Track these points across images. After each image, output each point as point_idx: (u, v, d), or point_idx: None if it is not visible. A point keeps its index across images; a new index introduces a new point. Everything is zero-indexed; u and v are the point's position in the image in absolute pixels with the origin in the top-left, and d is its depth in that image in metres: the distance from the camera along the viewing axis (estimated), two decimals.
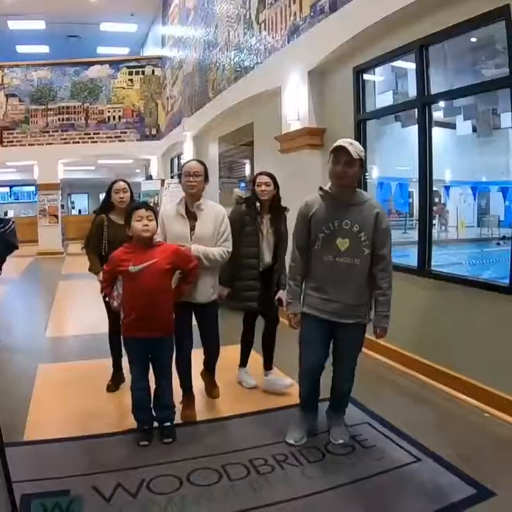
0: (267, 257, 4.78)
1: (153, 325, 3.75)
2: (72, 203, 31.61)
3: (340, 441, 3.72)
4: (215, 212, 4.15)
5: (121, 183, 4.79)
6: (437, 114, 5.68)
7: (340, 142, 3.47)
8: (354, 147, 3.43)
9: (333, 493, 3.14)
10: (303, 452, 3.61)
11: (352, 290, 3.53)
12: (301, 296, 3.76)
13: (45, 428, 4.00)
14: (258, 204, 4.73)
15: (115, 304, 3.90)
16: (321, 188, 3.64)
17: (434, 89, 5.14)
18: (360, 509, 3.01)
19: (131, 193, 4.87)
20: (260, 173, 4.85)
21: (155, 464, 3.44)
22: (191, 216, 4.10)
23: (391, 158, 6.52)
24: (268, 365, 4.98)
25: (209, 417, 4.25)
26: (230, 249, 4.16)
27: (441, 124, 6.46)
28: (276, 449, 3.67)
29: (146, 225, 3.69)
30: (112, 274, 3.87)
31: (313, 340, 3.68)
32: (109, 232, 4.66)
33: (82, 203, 32.26)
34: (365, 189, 6.23)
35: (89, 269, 4.78)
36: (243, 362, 5.07)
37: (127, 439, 3.81)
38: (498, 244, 6.34)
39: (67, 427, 4.02)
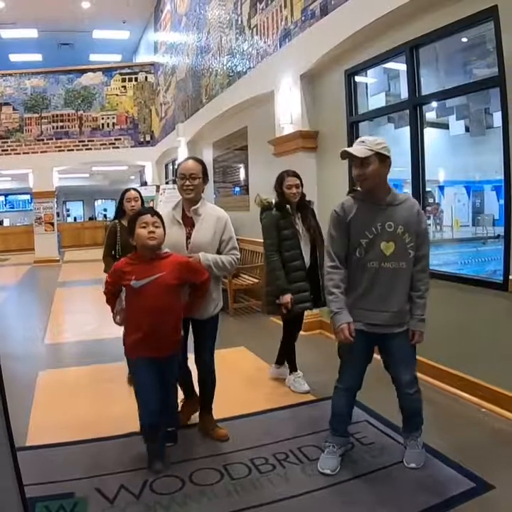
0: (307, 256, 4.78)
1: (163, 344, 3.42)
2: (68, 210, 31.65)
3: (412, 465, 3.41)
4: (215, 218, 3.74)
5: (133, 192, 5.18)
6: (430, 115, 5.73)
7: (344, 148, 3.25)
8: (364, 144, 3.17)
9: (333, 489, 3.19)
10: (303, 451, 3.66)
11: (400, 296, 3.27)
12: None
13: (47, 433, 4.03)
14: (288, 206, 4.70)
15: (117, 319, 3.66)
16: (353, 190, 3.39)
17: (426, 90, 5.18)
18: (361, 505, 3.05)
19: (142, 201, 5.23)
20: (288, 175, 4.75)
21: None
22: (188, 222, 3.73)
23: None
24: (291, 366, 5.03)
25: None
26: (239, 256, 3.85)
27: (435, 125, 6.50)
28: (277, 448, 3.71)
29: (153, 232, 3.33)
30: (114, 286, 3.53)
31: (356, 354, 3.37)
32: (122, 237, 4.88)
33: (77, 210, 32.31)
34: None
35: (105, 271, 4.82)
36: (293, 366, 5.02)
37: (129, 442, 3.84)
38: (484, 243, 6.38)
39: (69, 432, 4.05)
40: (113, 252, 5.07)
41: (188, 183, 3.67)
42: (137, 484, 3.25)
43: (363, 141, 3.22)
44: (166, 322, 3.40)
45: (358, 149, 3.16)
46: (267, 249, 4.74)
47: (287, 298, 4.55)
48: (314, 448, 3.70)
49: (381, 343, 3.38)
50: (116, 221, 5.22)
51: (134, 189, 5.27)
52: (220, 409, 4.13)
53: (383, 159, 3.17)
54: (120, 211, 5.24)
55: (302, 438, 3.87)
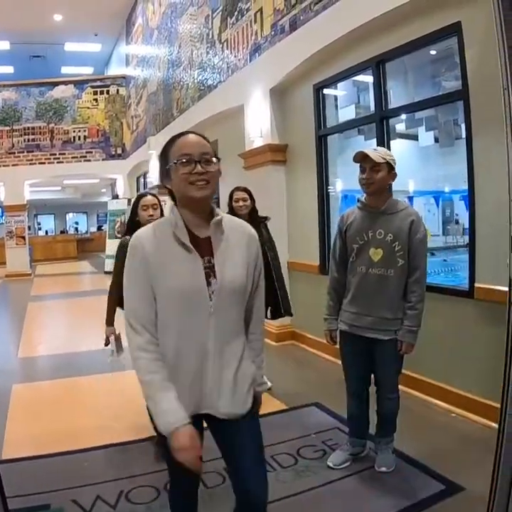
0: None
1: None
2: (39, 223, 31.43)
3: (383, 469, 3.49)
4: (246, 236, 2.12)
5: (150, 198, 3.95)
6: (400, 126, 5.84)
7: (361, 150, 3.35)
8: (377, 152, 3.31)
9: (306, 495, 3.24)
10: (276, 458, 3.70)
11: (385, 303, 3.32)
12: (338, 313, 3.56)
13: (22, 446, 4.03)
14: None
15: None
16: (358, 200, 3.52)
17: (396, 102, 5.32)
18: (333, 510, 3.12)
19: (162, 209, 4.03)
20: (236, 189, 4.92)
21: (133, 476, 3.50)
22: (204, 247, 1.99)
23: (355, 170, 6.63)
24: None
25: None
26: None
27: (404, 136, 6.64)
28: None
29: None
30: None
31: (351, 357, 3.56)
32: None
33: (48, 223, 32.12)
34: (328, 201, 6.41)
35: (107, 321, 4.08)
36: None
37: (104, 453, 3.87)
38: (433, 253, 6.51)
39: (44, 444, 4.05)
40: None
41: (200, 169, 1.98)
42: (113, 494, 3.27)
43: (376, 150, 3.37)
44: None
45: (374, 154, 3.27)
46: None
47: None
48: (287, 455, 3.75)
49: (370, 347, 3.43)
50: (129, 237, 3.60)
51: (152, 194, 4.03)
52: None
53: (390, 170, 3.31)
54: (134, 223, 3.89)
55: (275, 446, 3.89)
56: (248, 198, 4.84)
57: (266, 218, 5.04)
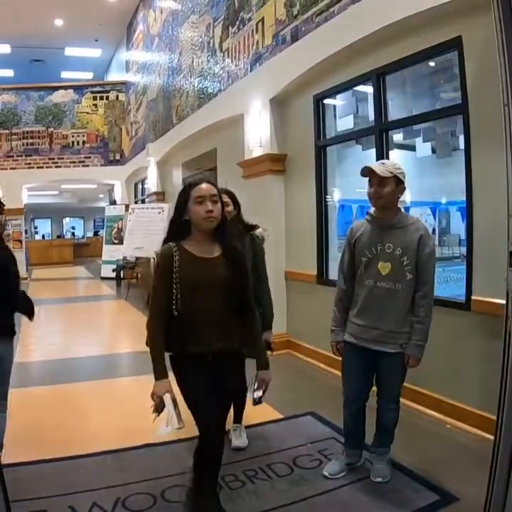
0: None
1: None
2: (36, 228, 31.39)
3: (379, 479, 3.50)
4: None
5: (205, 187, 2.72)
6: (397, 137, 5.87)
7: (367, 164, 3.36)
8: (385, 166, 3.32)
9: (301, 505, 3.25)
10: (272, 467, 3.72)
11: (393, 316, 3.33)
12: (344, 324, 3.56)
13: (19, 451, 4.01)
14: None
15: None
16: (367, 212, 3.53)
17: (394, 114, 5.36)
18: None
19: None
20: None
21: (130, 483, 3.51)
22: None
23: (352, 180, 6.68)
24: None
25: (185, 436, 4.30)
26: None
27: (402, 147, 6.67)
28: (246, 464, 3.77)
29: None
30: None
31: (353, 369, 3.54)
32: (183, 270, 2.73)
33: (45, 228, 32.07)
34: (326, 211, 6.44)
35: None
36: None
37: (100, 461, 3.87)
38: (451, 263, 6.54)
39: (41, 450, 4.05)
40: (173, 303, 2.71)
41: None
42: (110, 501, 3.27)
43: (384, 163, 3.39)
44: None
45: (380, 169, 3.28)
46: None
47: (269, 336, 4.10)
48: (282, 465, 3.76)
49: (375, 359, 3.44)
50: (173, 244, 2.76)
51: (208, 181, 2.77)
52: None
53: (399, 183, 3.32)
54: (182, 224, 2.78)
55: (271, 455, 3.92)
56: (230, 203, 3.86)
57: (253, 227, 4.10)
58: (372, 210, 3.48)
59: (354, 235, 3.50)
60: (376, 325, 3.37)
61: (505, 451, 2.33)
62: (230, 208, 3.84)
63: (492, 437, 2.50)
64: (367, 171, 3.34)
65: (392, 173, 3.27)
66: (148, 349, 2.77)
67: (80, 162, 17.63)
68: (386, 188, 3.28)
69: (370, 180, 3.36)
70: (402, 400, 3.57)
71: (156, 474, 3.64)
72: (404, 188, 3.37)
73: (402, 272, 3.30)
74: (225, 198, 3.56)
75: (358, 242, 3.46)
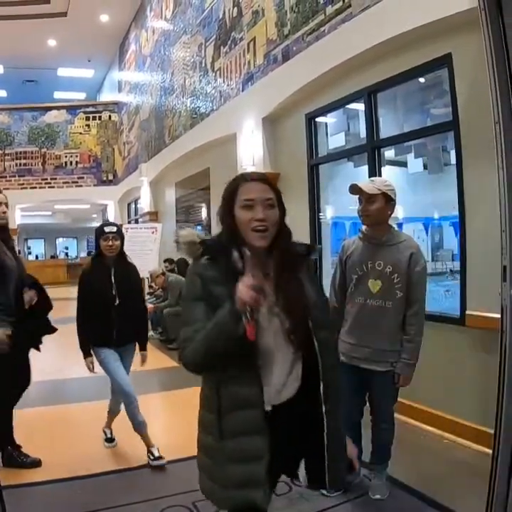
0: None
1: None
2: (29, 248, 31.28)
3: (377, 496, 3.48)
4: None
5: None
6: (389, 153, 5.90)
7: (354, 182, 3.37)
8: (373, 183, 3.31)
9: None
10: None
11: (383, 335, 3.30)
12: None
13: (12, 473, 3.96)
14: None
15: None
16: (359, 230, 3.51)
17: (385, 131, 5.41)
18: None
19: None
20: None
21: (133, 503, 3.49)
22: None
23: (345, 198, 6.68)
24: None
25: (180, 456, 4.27)
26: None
27: (393, 163, 6.69)
28: None
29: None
30: None
31: (345, 388, 3.48)
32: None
33: (38, 248, 31.95)
34: (320, 229, 6.45)
35: None
36: None
37: (96, 482, 3.83)
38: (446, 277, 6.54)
39: (34, 472, 4.01)
40: None
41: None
42: None
43: (373, 180, 3.39)
44: None
45: (367, 186, 3.28)
46: None
47: None
48: (281, 483, 3.59)
49: (366, 378, 3.41)
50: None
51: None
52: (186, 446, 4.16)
53: (388, 200, 3.29)
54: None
55: None
56: None
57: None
58: (363, 227, 3.45)
59: (345, 252, 3.49)
60: (367, 343, 3.34)
61: (503, 465, 2.32)
62: None
63: (489, 451, 2.50)
64: (354, 189, 3.34)
65: (380, 190, 3.25)
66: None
67: (73, 182, 17.61)
68: (374, 205, 3.26)
69: (359, 198, 3.36)
70: (398, 416, 3.55)
71: (154, 495, 3.61)
72: (394, 205, 3.35)
73: (392, 290, 3.28)
74: None
75: (349, 260, 3.45)
